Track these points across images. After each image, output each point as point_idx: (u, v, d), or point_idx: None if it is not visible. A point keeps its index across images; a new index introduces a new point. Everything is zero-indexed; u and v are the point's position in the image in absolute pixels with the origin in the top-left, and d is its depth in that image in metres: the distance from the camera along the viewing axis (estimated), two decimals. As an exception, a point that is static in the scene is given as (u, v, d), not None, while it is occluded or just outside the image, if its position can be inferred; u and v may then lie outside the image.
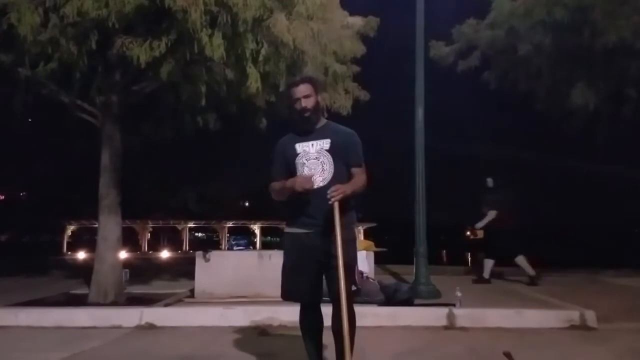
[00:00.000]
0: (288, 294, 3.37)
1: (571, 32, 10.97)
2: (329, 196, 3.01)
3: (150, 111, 8.39)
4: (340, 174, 3.26)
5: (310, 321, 3.38)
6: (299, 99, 3.31)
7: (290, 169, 3.35)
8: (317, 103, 3.36)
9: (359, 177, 3.29)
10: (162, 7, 5.64)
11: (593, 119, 12.12)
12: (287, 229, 3.41)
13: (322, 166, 3.26)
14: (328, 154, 3.28)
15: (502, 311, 5.87)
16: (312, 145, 3.32)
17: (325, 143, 3.31)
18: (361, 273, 6.63)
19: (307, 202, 3.22)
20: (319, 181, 3.23)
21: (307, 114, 3.31)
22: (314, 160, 3.28)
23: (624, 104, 11.80)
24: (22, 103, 7.19)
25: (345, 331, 2.86)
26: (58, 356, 4.44)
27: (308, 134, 3.36)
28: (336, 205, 3.02)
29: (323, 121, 3.46)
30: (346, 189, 3.08)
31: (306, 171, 3.28)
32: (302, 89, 3.32)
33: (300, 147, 3.34)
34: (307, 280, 3.25)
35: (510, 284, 9.21)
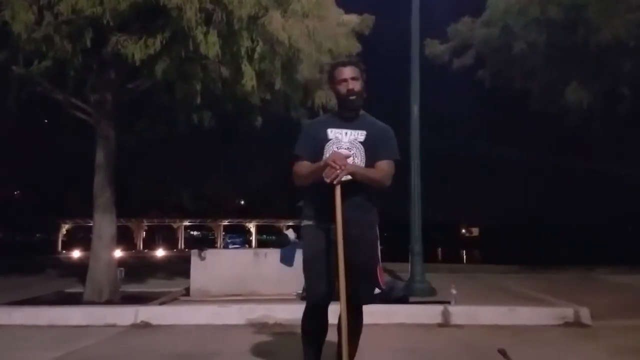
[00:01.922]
0: (313, 294, 3.03)
1: (565, 31, 11.02)
2: (326, 177, 2.78)
3: (145, 109, 8.37)
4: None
5: (315, 325, 3.05)
6: (346, 80, 3.03)
7: (317, 154, 3.02)
8: (362, 88, 3.09)
9: (382, 169, 3.02)
10: (156, 4, 5.63)
11: (587, 117, 12.17)
12: (305, 223, 3.11)
13: (353, 159, 2.96)
14: (361, 147, 3.01)
15: (497, 308, 5.89)
16: (346, 134, 3.05)
17: (360, 134, 3.04)
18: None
19: (324, 194, 2.88)
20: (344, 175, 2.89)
21: (353, 97, 3.03)
22: (344, 150, 2.98)
23: (618, 102, 11.84)
24: (16, 101, 7.16)
25: (344, 333, 2.73)
26: (52, 355, 4.42)
27: (344, 121, 3.09)
28: (338, 189, 2.78)
29: (362, 111, 3.18)
30: (352, 167, 2.83)
31: None
32: (350, 71, 3.06)
33: (332, 133, 3.05)
34: (325, 277, 2.95)
35: (505, 280, 9.24)
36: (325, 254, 2.96)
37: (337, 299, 2.83)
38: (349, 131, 3.04)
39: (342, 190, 2.81)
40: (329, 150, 2.99)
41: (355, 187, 2.89)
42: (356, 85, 3.04)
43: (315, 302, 3.02)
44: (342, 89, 3.05)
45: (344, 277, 2.73)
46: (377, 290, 3.06)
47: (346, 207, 2.82)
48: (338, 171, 2.75)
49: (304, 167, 3.03)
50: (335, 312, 2.95)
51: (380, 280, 3.10)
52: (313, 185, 2.99)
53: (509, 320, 5.63)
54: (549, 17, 10.82)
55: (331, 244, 2.91)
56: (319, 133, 3.07)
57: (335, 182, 2.76)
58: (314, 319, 3.03)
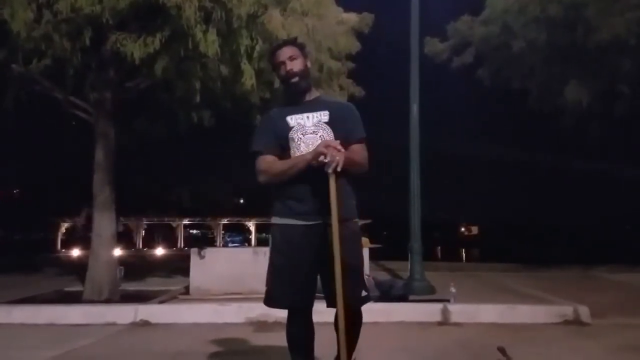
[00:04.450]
0: (276, 300, 2.81)
1: (565, 29, 11.03)
2: (327, 159, 2.49)
3: (144, 108, 8.36)
4: None
5: (300, 331, 2.82)
6: (283, 62, 2.80)
7: (282, 146, 2.77)
8: (305, 67, 2.83)
9: (359, 152, 2.78)
10: (156, 3, 5.63)
11: (586, 116, 12.19)
12: (277, 220, 2.81)
13: (322, 141, 2.67)
14: (328, 127, 2.75)
15: (496, 307, 5.89)
16: (308, 117, 2.77)
17: (324, 115, 2.78)
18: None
19: (302, 185, 2.68)
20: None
21: (294, 79, 2.78)
22: (311, 134, 2.72)
23: (616, 101, 11.86)
24: (15, 100, 7.15)
25: (341, 336, 2.56)
26: (52, 354, 4.42)
27: (300, 106, 2.82)
28: (332, 178, 2.52)
29: (315, 93, 2.94)
30: (347, 153, 2.57)
31: (302, 147, 2.71)
32: (287, 51, 2.81)
33: (293, 119, 2.78)
34: (300, 283, 2.70)
35: (504, 279, 9.23)
36: (305, 256, 2.70)
37: (330, 304, 2.67)
38: (310, 114, 2.79)
39: (322, 176, 2.56)
40: (293, 139, 2.74)
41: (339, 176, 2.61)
42: (295, 65, 2.79)
43: (296, 308, 2.80)
44: (282, 71, 2.83)
45: (340, 278, 2.51)
46: (364, 293, 2.80)
47: (325, 197, 2.58)
48: (337, 157, 2.48)
49: (272, 162, 2.75)
50: (331, 310, 2.77)
51: (365, 282, 2.93)
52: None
53: (508, 318, 5.64)
54: (548, 15, 10.83)
55: (312, 243, 2.68)
56: (278, 123, 2.81)
57: (337, 170, 2.49)
58: (298, 326, 2.82)
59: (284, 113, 2.84)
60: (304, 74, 2.82)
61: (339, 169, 2.49)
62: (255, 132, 2.90)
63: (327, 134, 2.74)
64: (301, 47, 2.88)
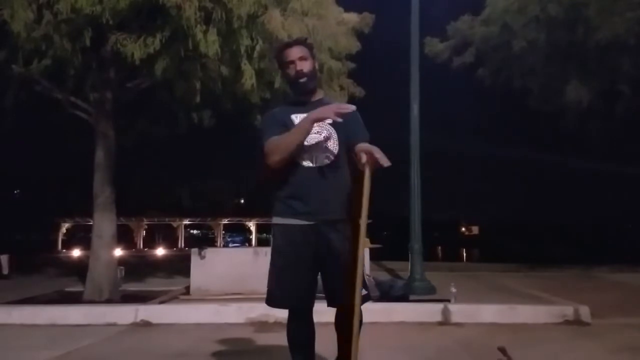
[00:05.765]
0: (277, 300, 2.80)
1: (565, 29, 11.03)
2: (363, 160, 2.46)
3: (144, 108, 8.36)
4: (345, 153, 2.74)
5: (301, 332, 2.82)
6: (292, 62, 2.77)
7: None
8: (314, 68, 2.82)
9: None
10: (156, 3, 5.63)
11: (587, 115, 12.19)
12: (278, 220, 2.78)
13: (326, 141, 2.71)
14: (332, 128, 2.74)
15: (496, 307, 5.89)
16: None
17: None
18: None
19: (302, 185, 2.67)
20: (322, 159, 2.68)
21: (303, 79, 2.77)
22: (315, 134, 2.69)
23: (617, 100, 11.86)
24: (15, 100, 7.15)
25: (354, 340, 2.52)
26: (52, 354, 4.42)
27: (305, 106, 2.77)
28: (368, 173, 2.45)
29: (320, 94, 2.94)
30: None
31: (305, 148, 2.70)
32: (297, 51, 2.79)
33: (298, 118, 2.74)
34: (302, 282, 2.70)
35: (504, 279, 9.23)
36: (306, 256, 2.68)
37: (330, 303, 2.69)
38: None
39: (325, 176, 2.58)
40: None
41: (340, 173, 2.67)
42: (305, 66, 2.77)
43: (298, 308, 2.79)
44: (291, 71, 2.80)
45: (361, 277, 2.50)
46: (363, 292, 2.70)
47: (327, 197, 2.63)
48: (377, 155, 2.43)
49: (277, 139, 2.68)
50: (331, 310, 2.80)
51: (366, 281, 2.88)
52: (290, 173, 2.70)
53: (509, 318, 5.64)
54: (548, 15, 10.83)
55: (312, 243, 2.67)
56: (283, 119, 2.80)
57: (383, 166, 2.45)
58: (298, 326, 2.81)
59: (288, 111, 2.83)
60: (313, 75, 2.82)
61: (386, 165, 2.44)
62: (264, 127, 2.85)
63: (333, 135, 2.75)
64: (310, 48, 2.86)
